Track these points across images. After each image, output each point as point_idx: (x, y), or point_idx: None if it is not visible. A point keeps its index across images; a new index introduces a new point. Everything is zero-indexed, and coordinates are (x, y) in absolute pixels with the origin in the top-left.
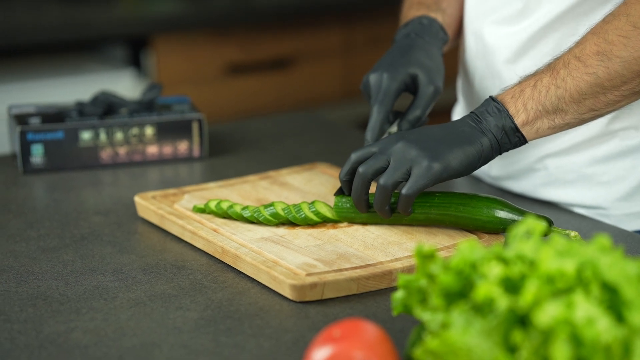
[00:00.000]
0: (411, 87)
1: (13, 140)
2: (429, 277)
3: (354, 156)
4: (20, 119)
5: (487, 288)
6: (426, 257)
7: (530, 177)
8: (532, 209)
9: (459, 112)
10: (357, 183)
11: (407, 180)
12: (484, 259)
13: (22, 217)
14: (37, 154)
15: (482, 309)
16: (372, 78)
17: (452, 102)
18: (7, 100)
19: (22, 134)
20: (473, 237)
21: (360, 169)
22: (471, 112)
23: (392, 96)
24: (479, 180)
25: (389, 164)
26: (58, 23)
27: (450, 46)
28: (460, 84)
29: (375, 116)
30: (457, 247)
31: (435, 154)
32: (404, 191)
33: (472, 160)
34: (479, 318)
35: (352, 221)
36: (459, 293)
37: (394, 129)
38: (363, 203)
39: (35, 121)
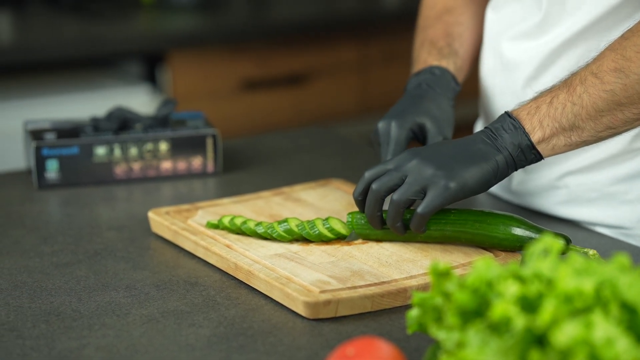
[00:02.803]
0: (420, 136)
1: (28, 156)
2: (444, 295)
3: (367, 174)
4: (36, 135)
5: (503, 307)
6: (442, 275)
7: (550, 194)
8: (549, 227)
9: (479, 128)
10: (371, 199)
11: (421, 198)
12: (501, 277)
13: (36, 232)
14: (52, 169)
15: (499, 328)
16: (381, 126)
17: (473, 117)
18: (24, 116)
19: (38, 149)
20: (489, 254)
21: (374, 186)
22: (486, 128)
23: (401, 144)
24: (495, 197)
25: (402, 181)
26: (75, 39)
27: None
28: (480, 100)
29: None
30: (473, 265)
31: (451, 173)
32: (419, 210)
33: (488, 178)
34: (495, 337)
35: (366, 238)
36: (475, 312)
37: None
38: (377, 219)
39: (50, 136)
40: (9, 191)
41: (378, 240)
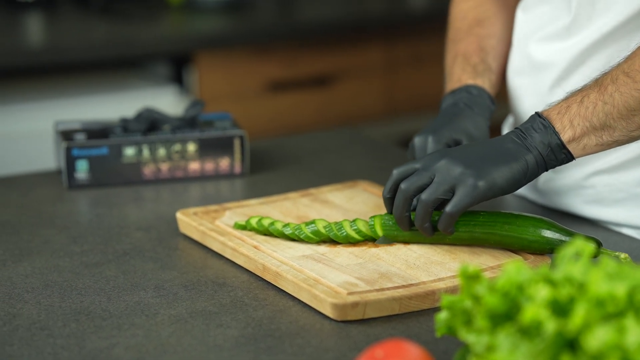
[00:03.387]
0: None
1: (58, 156)
2: (474, 298)
3: (396, 173)
4: (66, 135)
5: (534, 310)
6: (471, 278)
7: (576, 194)
8: (575, 228)
9: (507, 129)
10: (399, 199)
11: (449, 198)
12: (531, 281)
13: (66, 232)
14: (82, 169)
15: (529, 331)
16: (417, 141)
17: (501, 118)
18: (54, 117)
19: (68, 150)
20: (518, 257)
21: (403, 185)
22: (516, 128)
23: None
24: (521, 196)
25: (431, 180)
26: (104, 41)
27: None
28: (508, 99)
29: None
30: (503, 268)
31: (480, 172)
32: (447, 209)
33: (518, 178)
34: (525, 341)
35: (394, 239)
36: (505, 315)
37: None
38: (405, 220)
39: (80, 137)
40: (40, 191)
41: (405, 242)
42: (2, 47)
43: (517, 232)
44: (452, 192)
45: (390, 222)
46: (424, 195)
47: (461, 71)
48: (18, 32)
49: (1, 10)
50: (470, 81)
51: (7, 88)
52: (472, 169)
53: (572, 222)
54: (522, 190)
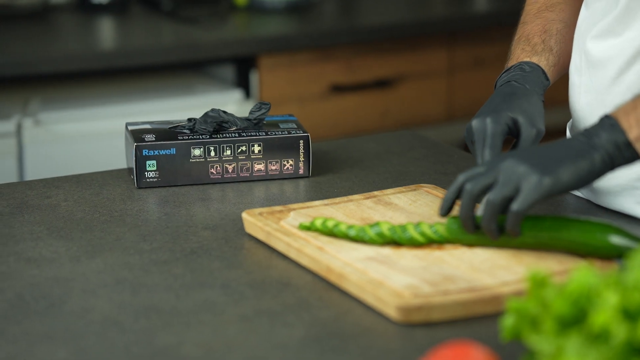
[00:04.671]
0: (514, 131)
1: (129, 156)
2: (541, 303)
3: (461, 177)
4: (136, 136)
5: (604, 317)
6: (539, 283)
7: (630, 194)
8: (630, 230)
9: (570, 127)
10: (465, 200)
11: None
12: (601, 287)
13: (136, 230)
14: (151, 169)
15: (598, 338)
16: (475, 123)
17: (565, 120)
18: (125, 117)
19: (138, 150)
20: (584, 262)
21: (468, 186)
22: (584, 130)
23: (499, 138)
24: (577, 196)
25: (496, 181)
26: (172, 44)
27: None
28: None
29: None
30: (572, 273)
31: (545, 168)
32: (514, 207)
33: (584, 175)
34: (594, 347)
35: (459, 242)
36: (573, 321)
37: None
38: (470, 222)
39: (150, 137)
40: (112, 189)
41: (470, 245)
42: (77, 51)
43: (584, 237)
44: (517, 190)
45: (455, 226)
46: (490, 196)
47: (520, 51)
48: (91, 36)
49: (76, 13)
50: (526, 59)
51: (80, 90)
52: (537, 166)
53: (624, 222)
54: (577, 190)
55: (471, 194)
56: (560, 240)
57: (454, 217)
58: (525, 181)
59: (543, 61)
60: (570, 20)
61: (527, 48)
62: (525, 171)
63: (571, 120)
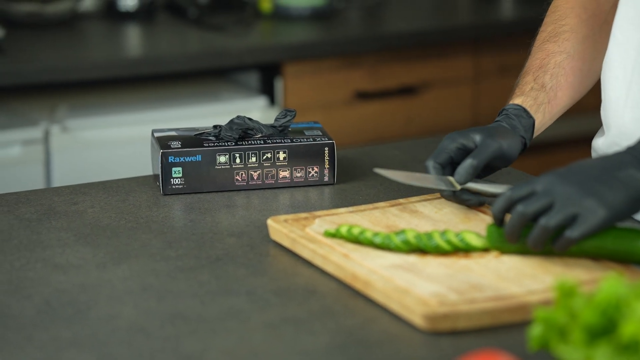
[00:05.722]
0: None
1: (154, 163)
2: (569, 313)
3: (513, 194)
4: (162, 142)
5: (633, 327)
6: (567, 292)
7: None
8: None
9: (602, 142)
10: (516, 221)
11: (570, 223)
12: (630, 296)
13: (162, 236)
14: (177, 176)
15: (628, 348)
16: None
17: (593, 130)
18: (151, 124)
19: (164, 157)
20: (612, 272)
21: (520, 208)
22: (629, 148)
23: (445, 153)
24: None
25: (550, 205)
26: (197, 51)
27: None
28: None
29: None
30: (601, 283)
31: (603, 200)
32: (571, 235)
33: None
34: (623, 358)
35: (498, 250)
36: (602, 331)
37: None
38: (515, 239)
39: (175, 144)
40: (138, 196)
41: (507, 253)
42: (104, 58)
43: (630, 246)
44: (573, 218)
45: (496, 234)
46: (548, 222)
47: (515, 89)
48: (118, 43)
49: (104, 21)
50: (512, 101)
51: (107, 97)
52: (595, 197)
53: None
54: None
55: (524, 215)
56: (605, 249)
57: (494, 226)
58: (584, 213)
59: (529, 101)
60: (574, 49)
61: (517, 88)
62: (584, 201)
63: (604, 135)
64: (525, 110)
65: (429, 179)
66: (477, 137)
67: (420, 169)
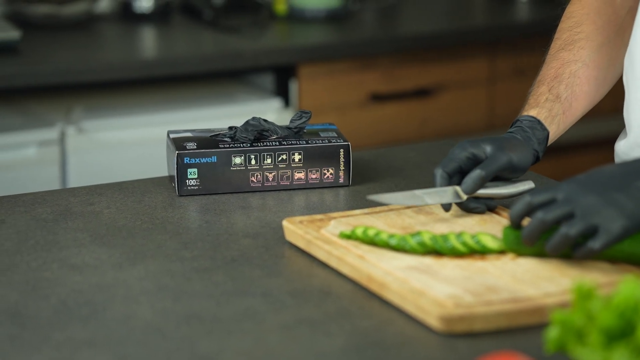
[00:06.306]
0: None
1: (170, 164)
2: (587, 316)
3: (533, 200)
4: (178, 144)
5: None
6: (585, 295)
7: None
8: None
9: (624, 144)
10: (536, 226)
11: (591, 233)
12: None
13: (177, 237)
14: (192, 177)
15: None
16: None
17: (610, 132)
18: (166, 125)
19: (179, 158)
20: (629, 275)
21: (540, 215)
22: None
23: (454, 162)
24: None
25: (571, 214)
26: (213, 53)
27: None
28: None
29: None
30: (619, 286)
31: (624, 210)
32: (593, 245)
33: None
34: None
35: (515, 253)
36: (620, 333)
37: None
38: (533, 243)
39: (191, 145)
40: (153, 197)
41: (521, 255)
42: (120, 59)
43: None
44: (594, 228)
45: (512, 237)
46: (571, 231)
47: (530, 99)
48: (134, 45)
49: (119, 23)
50: (529, 112)
51: (123, 98)
52: (618, 207)
53: None
54: None
55: (544, 222)
56: (622, 252)
57: (510, 228)
58: (607, 223)
59: (544, 113)
60: (589, 58)
61: (532, 99)
62: (606, 212)
63: (626, 138)
64: (539, 122)
65: (430, 195)
66: (488, 148)
67: (434, 171)
